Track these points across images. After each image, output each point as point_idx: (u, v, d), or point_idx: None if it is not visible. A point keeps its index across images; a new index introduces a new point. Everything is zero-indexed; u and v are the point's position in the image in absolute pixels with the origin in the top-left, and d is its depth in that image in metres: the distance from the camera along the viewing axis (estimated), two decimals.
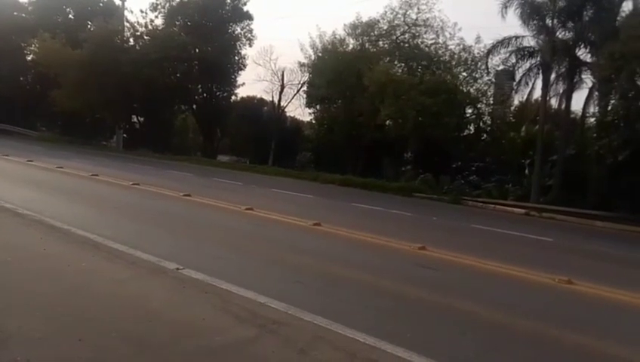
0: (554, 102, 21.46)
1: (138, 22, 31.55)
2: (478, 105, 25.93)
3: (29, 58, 36.11)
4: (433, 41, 27.10)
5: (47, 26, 32.36)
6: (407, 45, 27.22)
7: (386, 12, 27.48)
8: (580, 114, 22.11)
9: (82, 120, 34.00)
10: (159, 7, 32.20)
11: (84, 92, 28.28)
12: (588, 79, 19.97)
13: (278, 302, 4.63)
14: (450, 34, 26.63)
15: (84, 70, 27.78)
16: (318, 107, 31.34)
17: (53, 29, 32.15)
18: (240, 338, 3.82)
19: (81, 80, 27.98)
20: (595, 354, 4.50)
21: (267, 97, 34.95)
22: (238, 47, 33.11)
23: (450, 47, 26.64)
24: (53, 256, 5.64)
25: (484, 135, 26.67)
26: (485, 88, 26.01)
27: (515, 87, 21.40)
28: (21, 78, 37.10)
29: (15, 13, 36.74)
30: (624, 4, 18.29)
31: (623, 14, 18.21)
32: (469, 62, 25.98)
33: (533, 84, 20.43)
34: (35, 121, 38.35)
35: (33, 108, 36.55)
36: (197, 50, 31.05)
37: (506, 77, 23.48)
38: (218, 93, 34.28)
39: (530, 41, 19.88)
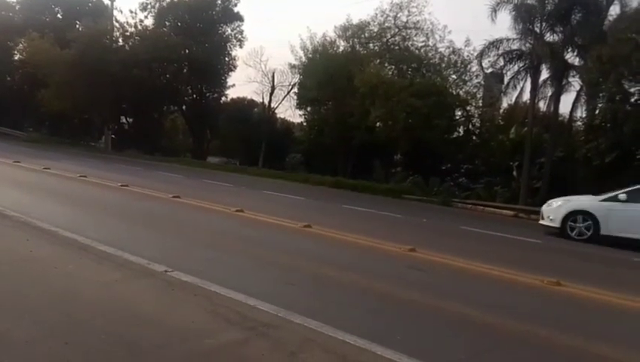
0: (542, 104, 21.68)
1: (127, 22, 31.43)
2: (468, 108, 26.11)
3: (16, 58, 35.74)
4: (423, 44, 27.30)
5: (35, 25, 32.09)
6: (397, 48, 27.39)
7: (376, 14, 27.67)
8: (568, 116, 22.34)
9: (70, 120, 33.76)
10: (149, 7, 32.14)
11: (72, 92, 28.03)
12: (576, 82, 20.20)
13: (268, 304, 4.59)
14: (440, 37, 26.86)
15: (72, 70, 27.53)
16: (308, 109, 31.38)
17: (42, 28, 31.88)
18: (230, 342, 3.79)
19: (70, 80, 27.72)
20: (585, 355, 4.52)
21: (257, 99, 34.98)
22: (229, 48, 33.14)
23: (439, 50, 26.86)
24: (40, 259, 5.55)
25: (474, 137, 26.83)
26: (474, 91, 26.23)
27: (504, 90, 21.61)
28: (8, 78, 36.72)
29: (2, 13, 36.35)
30: (612, 8, 18.57)
31: (611, 18, 18.46)
32: (458, 64, 26.18)
33: (522, 86, 20.63)
34: (22, 121, 37.93)
35: (20, 109, 36.18)
36: (187, 51, 30.94)
37: (494, 79, 23.68)
38: (208, 95, 34.21)
39: (518, 44, 20.06)
